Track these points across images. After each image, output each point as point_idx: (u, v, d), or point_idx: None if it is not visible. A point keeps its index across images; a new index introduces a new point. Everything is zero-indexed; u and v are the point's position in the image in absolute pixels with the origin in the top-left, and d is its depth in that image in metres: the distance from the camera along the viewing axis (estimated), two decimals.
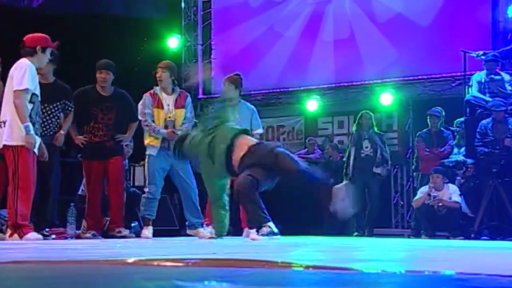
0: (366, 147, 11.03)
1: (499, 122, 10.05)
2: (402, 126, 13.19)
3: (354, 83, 13.41)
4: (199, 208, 8.23)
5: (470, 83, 10.72)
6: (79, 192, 9.11)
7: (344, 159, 11.50)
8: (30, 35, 7.06)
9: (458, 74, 12.16)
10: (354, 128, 11.44)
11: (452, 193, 10.01)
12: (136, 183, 10.99)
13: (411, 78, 12.87)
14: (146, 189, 8.25)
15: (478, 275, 2.61)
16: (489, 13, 12.31)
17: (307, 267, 2.84)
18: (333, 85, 13.58)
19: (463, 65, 10.75)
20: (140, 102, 8.29)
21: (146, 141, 8.25)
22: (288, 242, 6.80)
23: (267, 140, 13.35)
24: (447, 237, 10.04)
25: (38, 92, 6.91)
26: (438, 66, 12.63)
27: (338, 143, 13.30)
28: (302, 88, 13.83)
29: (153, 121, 8.17)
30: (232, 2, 14.77)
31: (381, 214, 12.21)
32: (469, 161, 10.21)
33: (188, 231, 8.30)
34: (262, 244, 6.08)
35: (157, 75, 8.28)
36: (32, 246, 5.52)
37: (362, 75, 13.31)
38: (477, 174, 10.16)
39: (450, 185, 10.15)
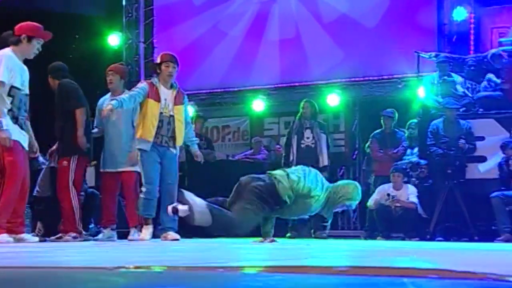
0: (308, 138, 10.54)
1: (451, 122, 10.17)
2: (348, 127, 13.24)
3: (300, 83, 13.37)
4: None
5: (423, 85, 10.83)
6: (34, 193, 8.74)
7: (280, 146, 11.23)
8: (21, 23, 6.64)
9: (404, 75, 12.35)
10: (296, 116, 10.96)
11: (410, 193, 10.07)
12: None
13: (357, 79, 12.93)
14: (143, 188, 7.83)
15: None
16: (434, 15, 12.47)
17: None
18: (279, 85, 13.51)
19: (416, 66, 10.87)
20: (137, 85, 7.97)
21: (138, 134, 7.85)
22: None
23: (212, 139, 13.21)
24: (403, 238, 10.09)
25: (21, 84, 6.51)
26: (384, 68, 12.72)
27: (280, 145, 13.21)
28: (247, 88, 13.71)
29: (143, 116, 7.80)
30: None
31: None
32: (422, 162, 10.29)
33: (161, 235, 8.04)
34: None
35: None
36: None
37: (308, 75, 13.29)
38: (431, 175, 10.26)
39: (409, 185, 10.21)
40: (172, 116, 7.89)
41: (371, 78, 12.82)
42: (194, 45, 14.23)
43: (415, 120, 11.15)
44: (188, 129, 8.10)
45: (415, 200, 10.04)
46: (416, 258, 4.56)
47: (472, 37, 12.27)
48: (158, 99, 7.82)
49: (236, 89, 13.82)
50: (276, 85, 13.51)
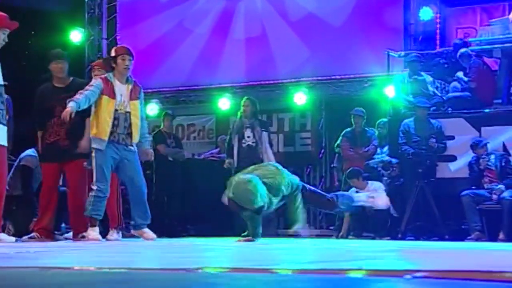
0: (248, 137, 10.36)
1: (422, 121, 10.23)
2: (315, 126, 13.23)
3: (267, 82, 13.31)
4: (147, 206, 7.84)
5: (393, 84, 10.87)
6: None
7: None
8: None
9: (371, 74, 12.39)
10: (238, 115, 10.79)
11: (377, 188, 9.99)
12: None
13: (324, 78, 12.91)
14: (94, 187, 7.56)
15: None
16: (401, 15, 12.52)
17: None
18: (245, 84, 13.43)
19: (383, 65, 10.91)
20: (90, 83, 7.62)
21: (92, 132, 7.56)
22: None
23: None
24: (373, 238, 10.11)
25: None
26: (351, 67, 12.71)
27: None
28: (213, 86, 13.60)
29: (96, 113, 7.55)
30: None
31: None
32: (394, 160, 10.33)
33: (133, 231, 7.88)
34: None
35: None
36: None
37: (275, 74, 13.23)
38: (403, 174, 10.30)
39: (372, 182, 10.17)
40: (128, 112, 7.64)
41: (337, 77, 12.81)
42: (159, 43, 14.07)
43: (384, 119, 11.18)
44: (142, 125, 7.82)
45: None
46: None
47: (438, 37, 12.37)
48: (113, 96, 7.55)
49: (201, 87, 13.70)
50: (242, 84, 13.42)
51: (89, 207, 7.53)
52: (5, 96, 6.66)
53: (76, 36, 14.31)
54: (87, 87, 7.51)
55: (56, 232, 8.00)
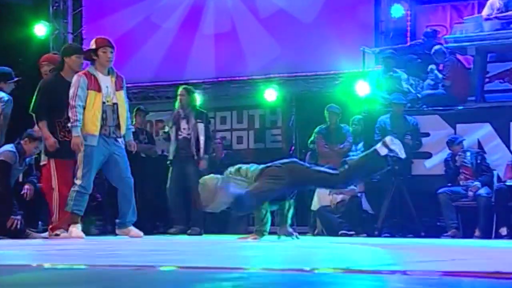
0: (184, 128, 10.06)
1: (398, 117, 10.23)
2: (286, 123, 13.15)
3: (237, 78, 13.19)
4: (134, 204, 7.66)
5: (368, 80, 10.86)
6: None
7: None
8: None
9: (342, 71, 12.37)
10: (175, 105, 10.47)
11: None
12: None
13: (294, 74, 12.84)
14: (78, 182, 7.39)
15: None
16: (372, 12, 12.51)
17: None
18: (215, 80, 13.29)
19: (361, 62, 10.89)
20: (73, 83, 7.42)
21: (84, 130, 7.40)
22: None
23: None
24: (350, 235, 10.06)
25: None
26: (321, 63, 12.65)
27: (221, 139, 13.02)
28: (181, 82, 13.36)
29: (84, 107, 7.39)
30: None
31: None
32: None
33: (118, 231, 7.70)
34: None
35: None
36: None
37: (245, 70, 13.11)
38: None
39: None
40: (115, 104, 7.52)
41: (308, 73, 12.75)
42: (126, 37, 13.80)
43: (359, 116, 11.16)
44: (127, 115, 7.72)
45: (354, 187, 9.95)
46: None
47: (408, 34, 12.39)
48: (99, 89, 7.41)
49: (170, 83, 13.48)
50: (211, 80, 13.28)
51: (71, 202, 7.34)
52: None
53: (40, 30, 13.97)
54: (72, 88, 7.32)
55: (32, 230, 7.78)
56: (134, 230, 7.58)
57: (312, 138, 11.16)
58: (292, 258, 4.28)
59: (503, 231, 9.31)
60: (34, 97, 7.78)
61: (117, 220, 7.77)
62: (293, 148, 13.05)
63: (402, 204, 9.93)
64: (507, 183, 9.39)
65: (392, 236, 9.83)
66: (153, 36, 13.74)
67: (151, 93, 13.73)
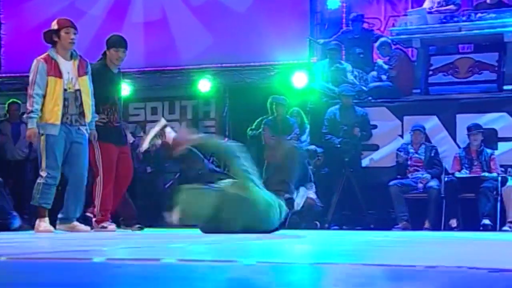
0: None
1: (347, 109, 10.16)
2: (219, 114, 12.88)
3: (168, 68, 12.80)
4: (83, 199, 7.23)
5: (314, 72, 10.75)
6: None
7: None
8: None
9: (276, 62, 12.22)
10: None
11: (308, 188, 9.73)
12: None
13: (228, 65, 12.56)
14: (43, 173, 6.90)
15: None
16: (307, 2, 12.40)
17: None
18: (145, 69, 12.84)
19: (308, 53, 10.78)
20: (31, 69, 6.94)
21: (43, 118, 6.93)
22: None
23: None
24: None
25: None
26: (256, 54, 12.44)
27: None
28: None
29: (45, 96, 6.90)
30: None
31: None
32: (319, 150, 10.17)
33: (61, 225, 7.10)
34: None
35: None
36: None
37: (177, 60, 12.74)
38: (327, 163, 10.16)
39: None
40: (78, 90, 7.06)
41: (242, 64, 12.51)
42: (48, 24, 13.10)
43: (297, 108, 11.04)
44: (91, 103, 7.25)
45: (312, 195, 9.81)
46: None
47: (344, 26, 12.35)
48: (59, 75, 6.95)
49: None
50: (141, 69, 12.82)
51: (37, 195, 6.87)
52: None
53: None
54: (31, 74, 6.89)
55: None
56: (79, 225, 7.07)
57: (253, 125, 10.93)
58: None
59: (453, 223, 9.38)
60: None
61: (59, 215, 7.17)
62: (226, 139, 12.79)
63: (352, 197, 9.86)
64: (457, 175, 9.47)
65: (341, 228, 9.76)
66: (78, 23, 13.04)
67: None
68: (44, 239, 5.59)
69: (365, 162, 10.15)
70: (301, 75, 11.50)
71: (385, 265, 2.64)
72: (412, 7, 12.02)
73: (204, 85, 12.45)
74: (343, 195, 9.86)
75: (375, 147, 10.19)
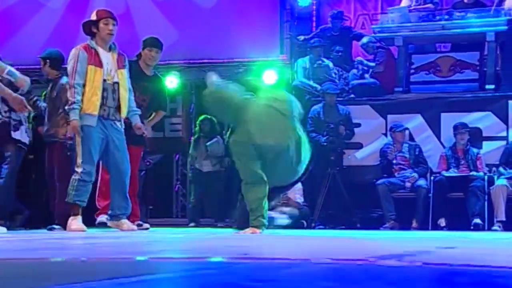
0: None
1: (331, 107, 9.98)
2: (186, 111, 12.52)
3: None
4: (128, 195, 6.87)
5: (295, 69, 10.56)
6: None
7: None
8: None
9: (245, 59, 11.96)
10: None
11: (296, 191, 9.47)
12: None
13: (195, 61, 12.23)
14: (78, 169, 6.59)
15: None
16: None
17: None
18: None
19: (289, 51, 10.56)
20: (70, 57, 6.69)
21: (82, 109, 6.65)
22: None
23: None
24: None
25: None
26: (224, 51, 12.16)
27: None
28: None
29: (84, 85, 6.60)
30: None
31: (161, 202, 11.60)
32: None
33: (111, 223, 6.95)
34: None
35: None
36: None
37: None
38: (313, 162, 9.92)
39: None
40: (116, 83, 6.83)
41: (210, 60, 12.18)
42: (5, 16, 12.59)
43: None
44: (129, 97, 6.99)
45: (300, 200, 9.58)
46: None
47: (314, 24, 12.19)
48: (100, 65, 6.72)
49: None
50: None
51: (72, 192, 6.57)
52: None
53: None
54: (69, 62, 6.66)
55: None
56: (126, 223, 6.84)
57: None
58: None
59: (442, 222, 9.31)
60: None
61: (109, 212, 6.98)
62: (192, 137, 12.48)
63: (338, 196, 9.67)
64: (446, 174, 9.40)
65: (326, 228, 9.58)
66: (36, 15, 12.57)
67: (35, 76, 12.48)
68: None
69: (346, 161, 9.99)
70: (271, 72, 11.30)
71: None
72: (382, 7, 11.98)
73: (171, 81, 12.06)
74: (328, 194, 9.66)
75: (359, 146, 10.04)
